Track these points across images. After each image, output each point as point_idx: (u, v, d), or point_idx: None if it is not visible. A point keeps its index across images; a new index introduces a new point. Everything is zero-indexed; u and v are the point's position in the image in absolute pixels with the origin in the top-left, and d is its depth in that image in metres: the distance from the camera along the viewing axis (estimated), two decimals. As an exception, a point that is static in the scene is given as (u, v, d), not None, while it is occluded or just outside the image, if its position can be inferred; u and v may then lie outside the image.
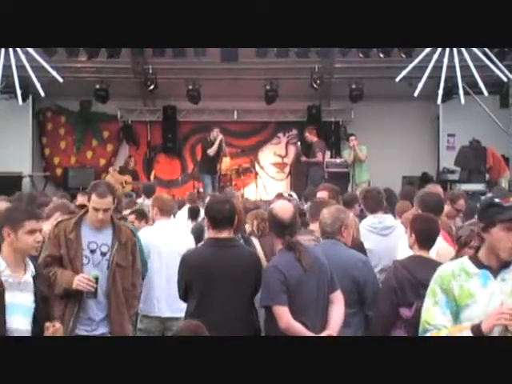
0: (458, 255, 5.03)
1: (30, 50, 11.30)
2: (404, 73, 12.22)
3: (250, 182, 15.28)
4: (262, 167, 16.41)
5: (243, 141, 16.30)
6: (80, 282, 4.52)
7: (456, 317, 3.16)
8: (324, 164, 13.57)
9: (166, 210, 6.27)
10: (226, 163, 14.11)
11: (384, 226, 5.97)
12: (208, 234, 4.70)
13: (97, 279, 4.54)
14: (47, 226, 4.91)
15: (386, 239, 5.85)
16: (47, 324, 3.67)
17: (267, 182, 15.76)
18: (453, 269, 3.23)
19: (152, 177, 15.50)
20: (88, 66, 14.71)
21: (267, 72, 14.95)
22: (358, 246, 5.27)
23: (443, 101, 13.51)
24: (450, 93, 13.72)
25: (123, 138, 16.46)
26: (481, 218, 3.26)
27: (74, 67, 14.49)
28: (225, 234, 4.52)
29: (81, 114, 16.17)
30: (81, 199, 7.01)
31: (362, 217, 6.35)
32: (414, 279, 4.42)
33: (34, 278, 3.77)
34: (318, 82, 14.74)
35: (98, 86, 14.90)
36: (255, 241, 5.73)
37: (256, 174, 15.41)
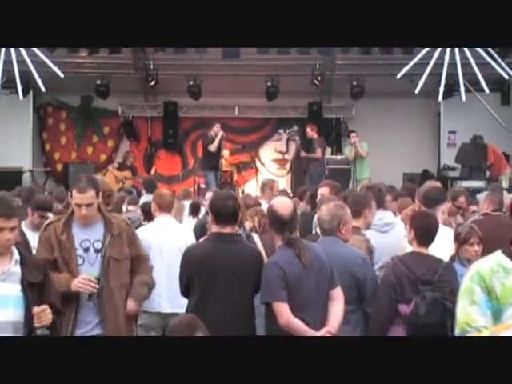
0: (457, 252, 5.07)
1: (31, 45, 11.31)
2: (405, 70, 12.20)
3: (251, 179, 15.31)
4: (262, 163, 16.42)
5: (244, 137, 16.31)
6: (80, 283, 4.36)
7: (497, 316, 2.97)
8: (324, 161, 13.59)
9: (166, 206, 6.26)
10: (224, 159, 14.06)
11: (384, 222, 5.97)
12: (212, 229, 4.68)
13: (98, 280, 4.40)
14: None
15: (386, 236, 5.85)
16: (35, 308, 3.53)
17: (268, 179, 15.79)
18: (491, 265, 3.01)
19: (152, 172, 15.52)
20: (89, 61, 14.73)
21: (268, 68, 14.94)
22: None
23: (444, 98, 13.52)
24: (451, 90, 13.72)
25: (124, 134, 16.45)
26: None
27: (74, 62, 14.50)
28: (228, 230, 4.51)
29: (81, 110, 16.17)
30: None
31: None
32: (412, 275, 4.43)
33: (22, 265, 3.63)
34: (319, 78, 14.74)
35: (98, 82, 14.91)
36: (256, 237, 5.73)
37: (257, 170, 15.42)
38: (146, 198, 9.20)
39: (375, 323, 4.58)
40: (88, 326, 4.49)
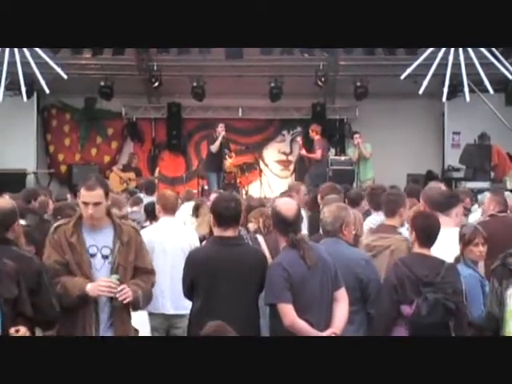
0: (462, 253, 5.05)
1: (35, 46, 11.32)
2: (409, 70, 12.19)
3: (255, 180, 15.30)
4: (266, 165, 16.40)
5: (248, 138, 16.29)
6: (102, 287, 4.18)
7: None
8: (327, 162, 13.58)
9: (170, 208, 6.27)
10: (228, 161, 14.06)
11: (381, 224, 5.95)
12: (214, 231, 4.68)
13: (121, 282, 4.21)
14: None
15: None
16: (11, 330, 3.44)
17: (271, 180, 15.80)
18: None
19: (156, 174, 15.53)
20: (92, 63, 14.74)
21: (272, 69, 14.93)
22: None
23: (448, 98, 13.47)
24: (455, 90, 13.68)
25: (127, 135, 16.45)
26: None
27: (78, 64, 14.50)
28: (230, 233, 4.50)
29: (85, 111, 16.17)
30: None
31: (367, 214, 6.34)
32: (413, 276, 4.42)
33: None
34: (323, 79, 14.72)
35: (102, 83, 14.91)
36: (260, 238, 5.73)
37: (260, 171, 15.42)
38: (145, 199, 9.20)
39: (378, 324, 4.58)
40: (101, 325, 4.33)
